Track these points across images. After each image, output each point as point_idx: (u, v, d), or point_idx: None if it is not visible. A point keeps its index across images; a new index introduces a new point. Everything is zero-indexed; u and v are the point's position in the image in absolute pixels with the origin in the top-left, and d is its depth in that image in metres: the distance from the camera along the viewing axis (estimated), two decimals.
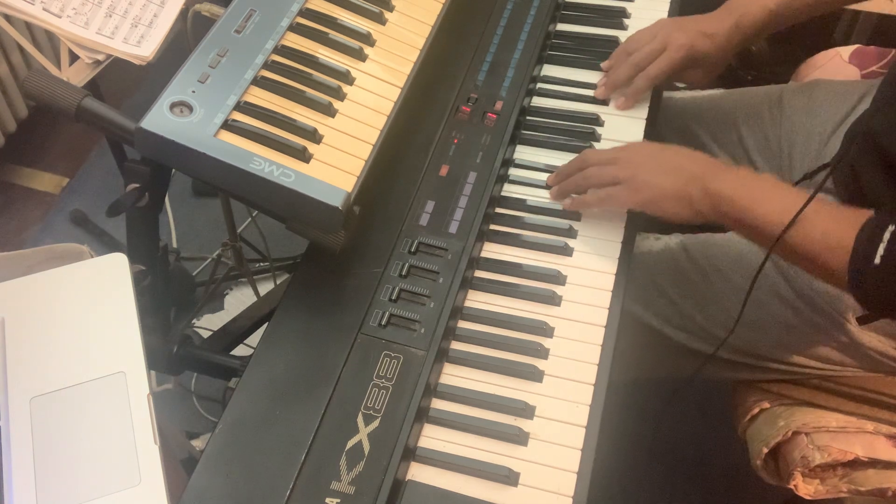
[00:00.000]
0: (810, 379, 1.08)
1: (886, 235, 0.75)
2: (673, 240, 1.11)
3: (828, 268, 0.79)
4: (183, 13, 1.07)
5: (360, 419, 0.74)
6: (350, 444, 0.72)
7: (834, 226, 0.79)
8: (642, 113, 1.05)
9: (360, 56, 0.90)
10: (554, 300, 0.86)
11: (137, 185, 0.78)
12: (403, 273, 0.84)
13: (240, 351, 1.27)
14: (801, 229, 0.80)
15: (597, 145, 1.01)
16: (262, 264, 1.76)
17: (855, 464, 1.03)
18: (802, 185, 1.12)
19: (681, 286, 1.06)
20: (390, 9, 0.96)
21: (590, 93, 1.07)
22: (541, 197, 0.96)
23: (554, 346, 0.82)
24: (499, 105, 1.01)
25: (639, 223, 0.94)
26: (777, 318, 1.02)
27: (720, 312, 1.04)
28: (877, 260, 0.75)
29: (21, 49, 1.84)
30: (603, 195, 0.90)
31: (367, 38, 0.92)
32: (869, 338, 0.99)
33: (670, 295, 1.05)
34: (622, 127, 1.04)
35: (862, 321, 0.98)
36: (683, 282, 1.06)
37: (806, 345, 1.03)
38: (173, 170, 0.80)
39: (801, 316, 1.01)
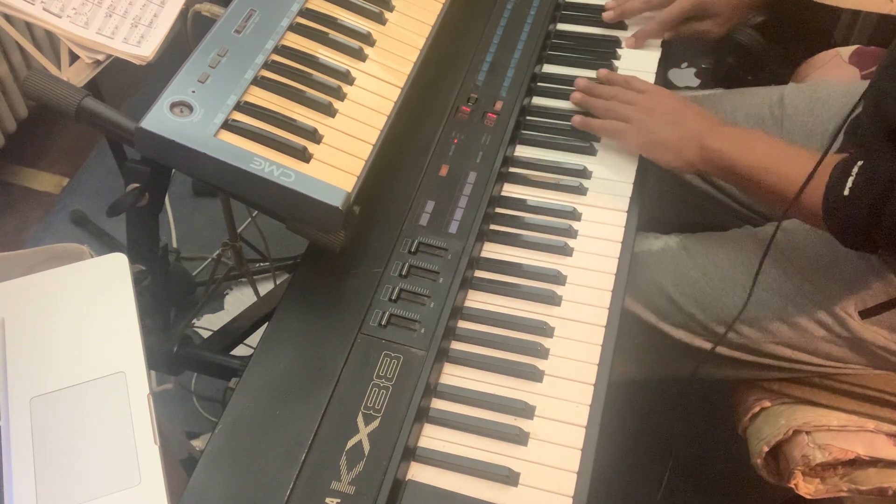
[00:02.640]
0: (811, 377, 1.08)
1: (855, 170, 0.83)
2: (672, 239, 1.11)
3: (807, 206, 0.87)
4: (183, 13, 1.07)
5: (360, 419, 0.74)
6: (350, 444, 0.72)
7: (806, 164, 0.86)
8: None
9: (360, 56, 0.90)
10: (554, 300, 0.86)
11: (137, 185, 0.78)
12: (403, 273, 0.84)
13: (240, 351, 1.28)
14: (784, 173, 0.89)
15: (596, 145, 1.01)
16: (262, 264, 1.76)
17: (856, 463, 1.03)
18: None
19: (681, 284, 1.06)
20: (390, 9, 0.96)
21: None
22: (541, 197, 0.96)
23: (554, 346, 0.82)
24: (499, 105, 1.01)
25: (639, 222, 0.94)
26: (778, 314, 1.02)
27: (721, 309, 1.04)
28: (846, 192, 0.83)
29: (21, 49, 1.84)
30: (610, 127, 1.00)
31: (367, 38, 0.92)
32: (871, 333, 0.99)
33: (670, 293, 1.06)
34: None
35: (864, 315, 0.98)
36: (683, 280, 1.06)
37: (807, 341, 1.03)
38: (173, 170, 0.80)
39: (803, 312, 1.01)
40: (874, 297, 0.98)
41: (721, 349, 1.06)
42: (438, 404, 0.78)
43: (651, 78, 1.09)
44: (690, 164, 0.96)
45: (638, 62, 1.11)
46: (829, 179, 0.84)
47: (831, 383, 1.08)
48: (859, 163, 0.83)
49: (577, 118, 1.02)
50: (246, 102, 0.80)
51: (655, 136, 0.97)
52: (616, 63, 1.11)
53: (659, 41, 1.14)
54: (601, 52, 1.12)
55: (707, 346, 1.06)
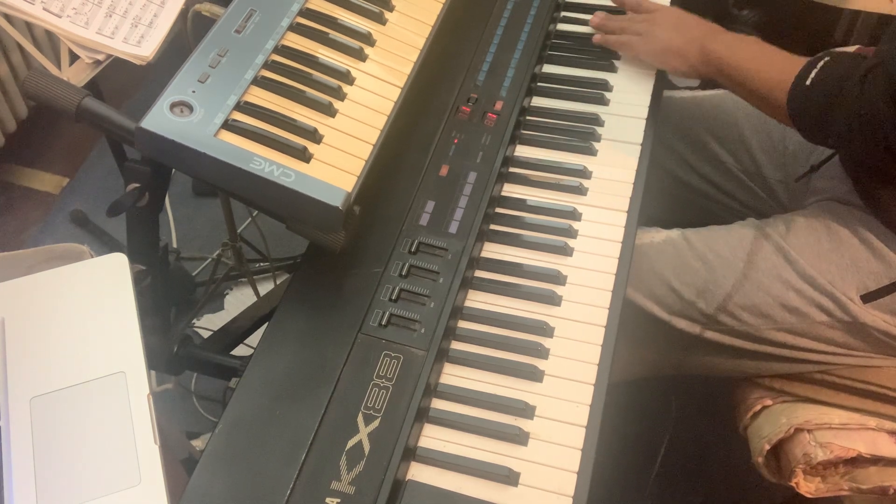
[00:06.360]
0: (813, 374, 1.08)
1: (820, 64, 0.92)
2: (675, 232, 1.11)
3: (780, 101, 0.95)
4: (183, 13, 1.07)
5: (360, 419, 0.74)
6: (350, 444, 0.72)
7: (787, 65, 0.96)
8: (642, 112, 1.05)
9: (360, 56, 0.90)
10: (554, 300, 0.86)
11: (137, 185, 0.78)
12: (403, 273, 0.84)
13: (240, 351, 1.28)
14: (762, 71, 0.99)
15: (596, 145, 1.01)
16: (262, 264, 1.76)
17: (857, 461, 1.03)
18: (805, 180, 1.13)
19: (682, 273, 1.06)
20: (390, 9, 0.96)
21: (590, 93, 1.07)
22: (541, 197, 0.96)
23: (554, 346, 0.82)
24: (499, 105, 1.01)
25: (639, 222, 0.94)
26: (779, 300, 1.02)
27: (722, 298, 1.04)
28: (808, 82, 0.92)
29: (21, 49, 1.84)
30: (625, 40, 1.10)
31: (367, 38, 0.92)
32: (872, 317, 0.99)
33: (671, 283, 1.06)
34: (622, 127, 1.04)
35: (866, 299, 0.98)
36: (685, 269, 1.06)
37: (808, 326, 1.03)
38: (173, 170, 0.80)
39: (804, 297, 1.01)
40: (876, 280, 0.98)
41: (723, 337, 1.06)
42: (438, 404, 0.78)
43: None
44: (694, 67, 1.05)
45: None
46: (798, 72, 0.93)
47: (833, 379, 1.08)
48: (826, 59, 0.92)
49: (596, 36, 1.12)
50: (246, 102, 0.80)
51: (663, 43, 1.07)
52: (616, 63, 1.11)
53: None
54: (601, 52, 1.12)
55: (709, 335, 1.06)
